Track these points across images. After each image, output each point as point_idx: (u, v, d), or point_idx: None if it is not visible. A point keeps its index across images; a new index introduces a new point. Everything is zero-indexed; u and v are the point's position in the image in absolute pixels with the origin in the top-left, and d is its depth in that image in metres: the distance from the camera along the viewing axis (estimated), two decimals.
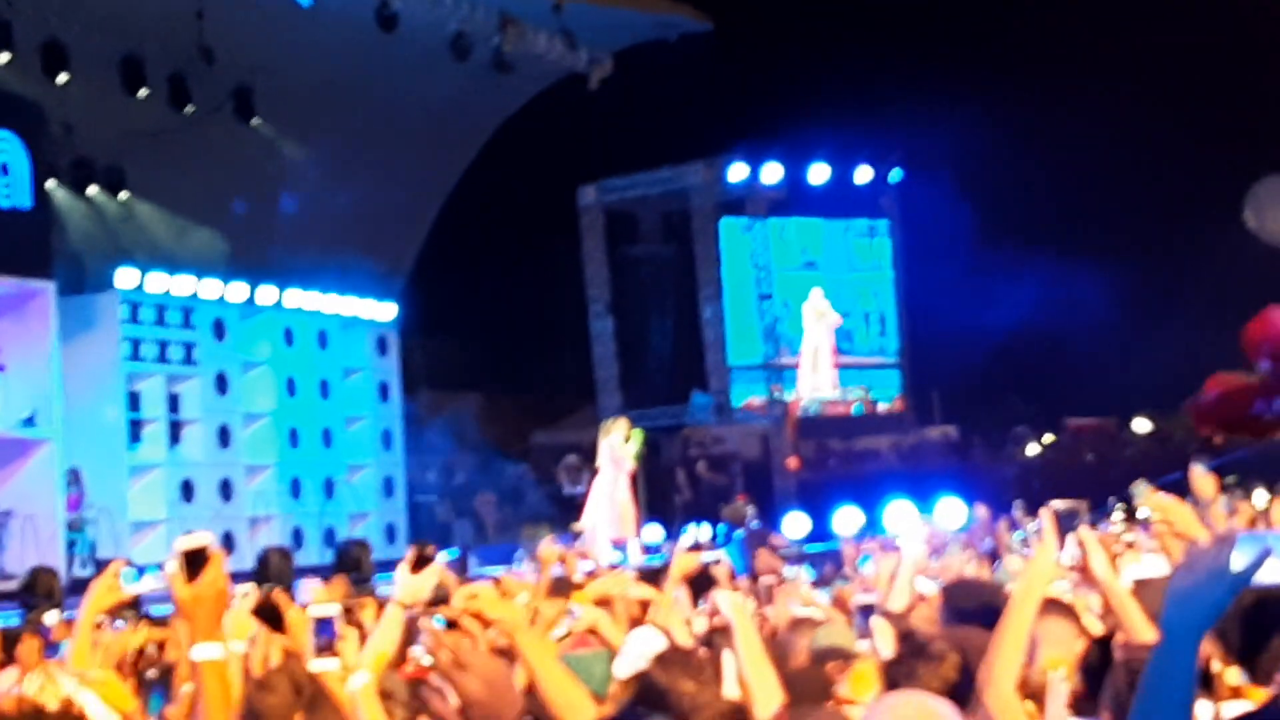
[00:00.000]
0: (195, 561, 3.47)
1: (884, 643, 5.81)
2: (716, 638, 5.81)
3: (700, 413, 29.36)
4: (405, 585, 4.86)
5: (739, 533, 20.65)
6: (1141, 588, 4.74)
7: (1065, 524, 4.39)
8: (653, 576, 8.70)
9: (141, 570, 5.42)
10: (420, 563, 4.91)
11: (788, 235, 31.73)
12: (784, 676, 4.83)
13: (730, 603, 5.08)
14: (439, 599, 4.87)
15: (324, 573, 12.97)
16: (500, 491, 27.37)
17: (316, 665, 4.70)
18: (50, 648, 8.73)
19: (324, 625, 4.68)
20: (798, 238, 32.08)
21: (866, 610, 6.59)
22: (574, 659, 5.48)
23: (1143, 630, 4.37)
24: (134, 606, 8.19)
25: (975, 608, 5.30)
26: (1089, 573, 4.56)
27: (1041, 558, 4.20)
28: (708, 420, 29.38)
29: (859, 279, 32.86)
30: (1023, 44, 31.16)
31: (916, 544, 7.08)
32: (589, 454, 20.16)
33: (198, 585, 3.42)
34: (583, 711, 4.12)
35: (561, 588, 8.92)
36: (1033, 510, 18.86)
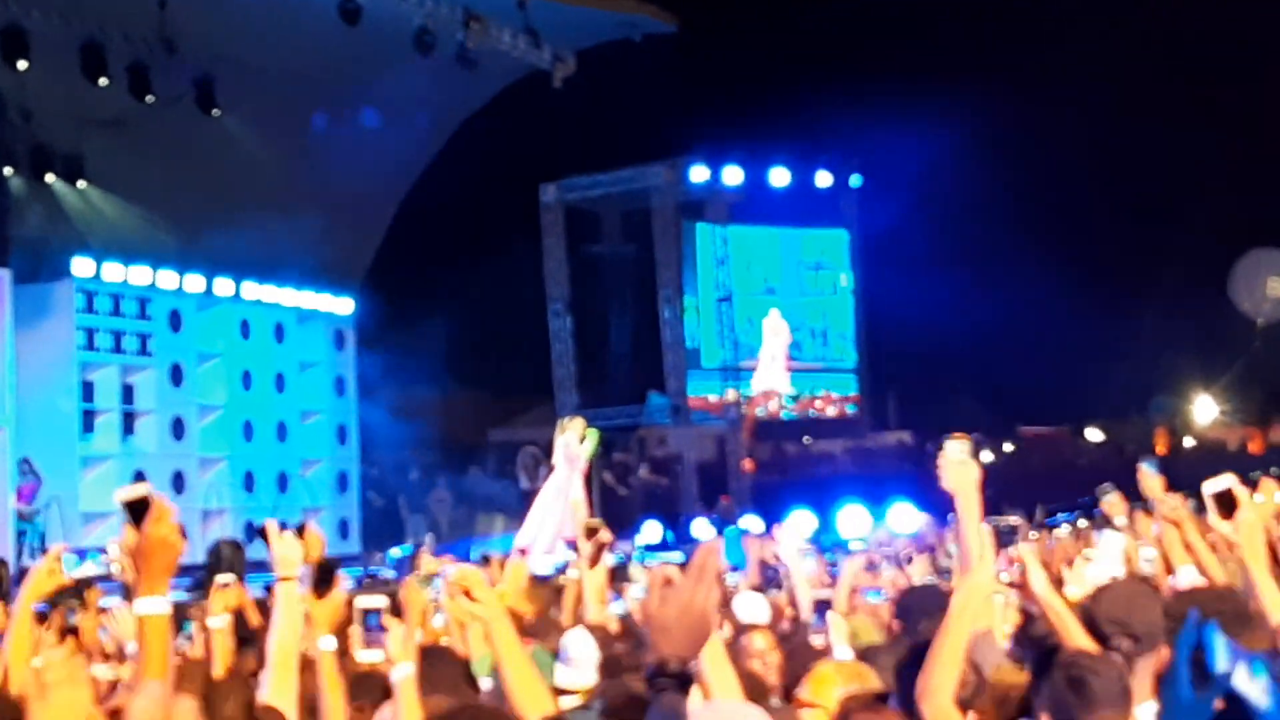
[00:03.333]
0: (137, 512, 3.39)
1: (839, 640, 5.87)
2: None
3: (656, 414, 29.39)
4: (279, 558, 4.83)
5: (731, 529, 20.76)
6: (1099, 595, 4.79)
7: (1005, 539, 4.48)
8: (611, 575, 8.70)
9: (83, 555, 5.37)
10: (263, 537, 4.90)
11: (749, 256, 31.86)
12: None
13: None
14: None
15: (194, 573, 12.58)
16: (456, 488, 27.34)
17: (364, 656, 4.70)
18: None
19: (371, 616, 4.67)
20: (759, 265, 32.20)
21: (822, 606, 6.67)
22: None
23: (1080, 639, 4.48)
24: (76, 592, 8.12)
25: (930, 614, 5.32)
26: (1028, 589, 4.65)
27: (978, 572, 4.24)
28: (664, 421, 29.41)
29: (811, 303, 32.93)
30: (984, 54, 31.33)
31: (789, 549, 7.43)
32: (546, 450, 20.13)
33: (141, 536, 3.35)
34: (543, 705, 4.14)
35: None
36: (988, 516, 18.99)
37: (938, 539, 15.46)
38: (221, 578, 6.62)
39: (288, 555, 4.81)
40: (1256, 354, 30.87)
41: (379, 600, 4.72)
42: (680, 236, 29.93)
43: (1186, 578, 5.84)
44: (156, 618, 3.36)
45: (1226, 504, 4.75)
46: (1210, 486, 4.78)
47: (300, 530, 4.93)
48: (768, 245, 32.33)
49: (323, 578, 3.41)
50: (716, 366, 30.22)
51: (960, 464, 4.54)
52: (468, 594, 4.27)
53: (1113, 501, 8.77)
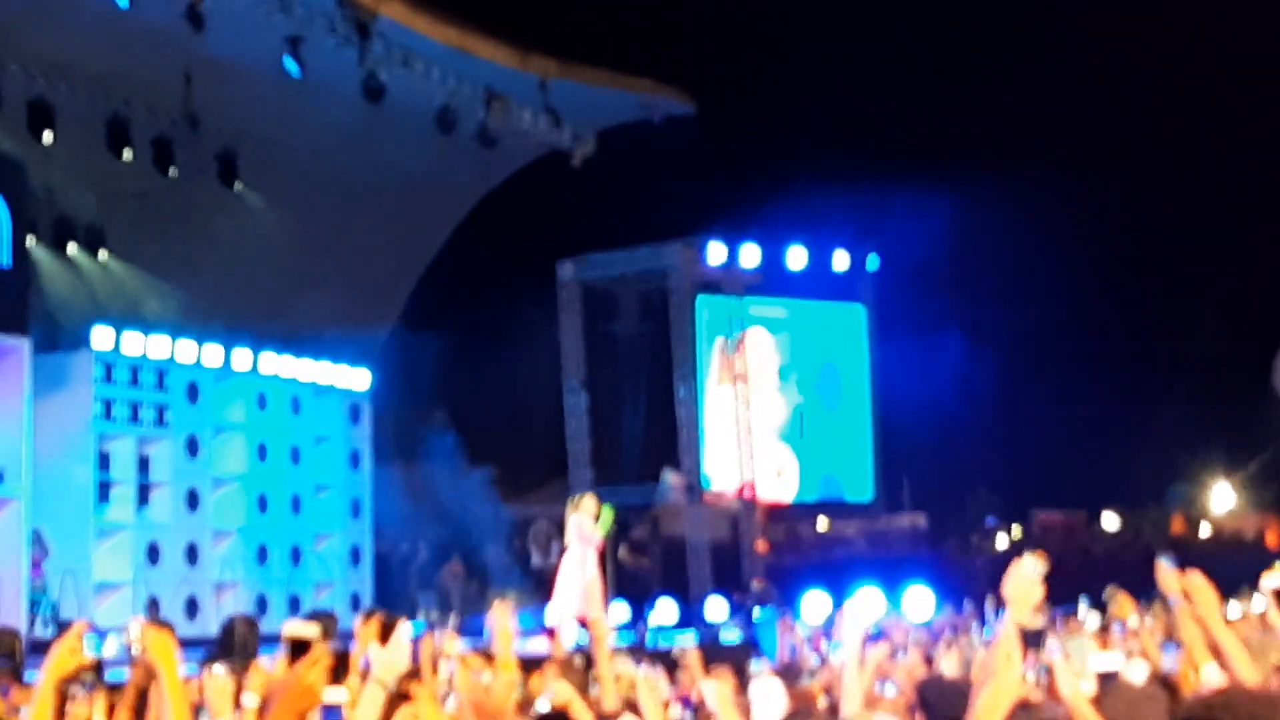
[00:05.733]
0: (298, 650, 3.39)
1: None
2: None
3: (669, 492, 29.31)
4: (381, 661, 4.61)
5: (766, 610, 20.43)
6: (1104, 698, 4.77)
7: (1032, 641, 4.44)
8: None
9: (104, 634, 5.34)
10: (386, 633, 4.72)
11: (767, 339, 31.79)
12: None
13: (715, 692, 5.10)
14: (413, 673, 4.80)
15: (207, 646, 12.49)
16: (468, 563, 27.26)
17: None
18: (11, 711, 8.63)
19: (332, 713, 4.58)
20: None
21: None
22: None
23: None
24: (96, 671, 8.08)
25: (952, 710, 5.29)
26: (1056, 692, 4.62)
27: (1006, 674, 4.22)
28: (677, 500, 29.33)
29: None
30: (1003, 138, 31.49)
31: (854, 638, 6.90)
32: (559, 526, 20.10)
33: (290, 673, 3.35)
34: None
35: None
36: (1003, 605, 18.86)
37: (963, 625, 15.36)
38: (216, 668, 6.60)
39: (395, 662, 4.42)
40: None
41: (340, 694, 4.60)
42: (694, 315, 29.92)
43: (1210, 677, 5.77)
44: None
45: None
46: (1271, 581, 4.74)
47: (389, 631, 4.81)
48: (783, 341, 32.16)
49: (295, 653, 3.37)
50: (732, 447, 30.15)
51: (1030, 582, 4.55)
52: None
53: (1121, 603, 8.70)
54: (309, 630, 3.41)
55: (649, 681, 6.89)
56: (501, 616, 6.26)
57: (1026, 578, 4.56)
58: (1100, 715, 4.53)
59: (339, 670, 4.90)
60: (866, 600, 20.80)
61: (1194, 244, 31.90)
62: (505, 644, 7.07)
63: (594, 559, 19.17)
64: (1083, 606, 16.81)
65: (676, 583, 27.00)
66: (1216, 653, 5.74)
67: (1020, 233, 31.44)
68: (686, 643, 11.94)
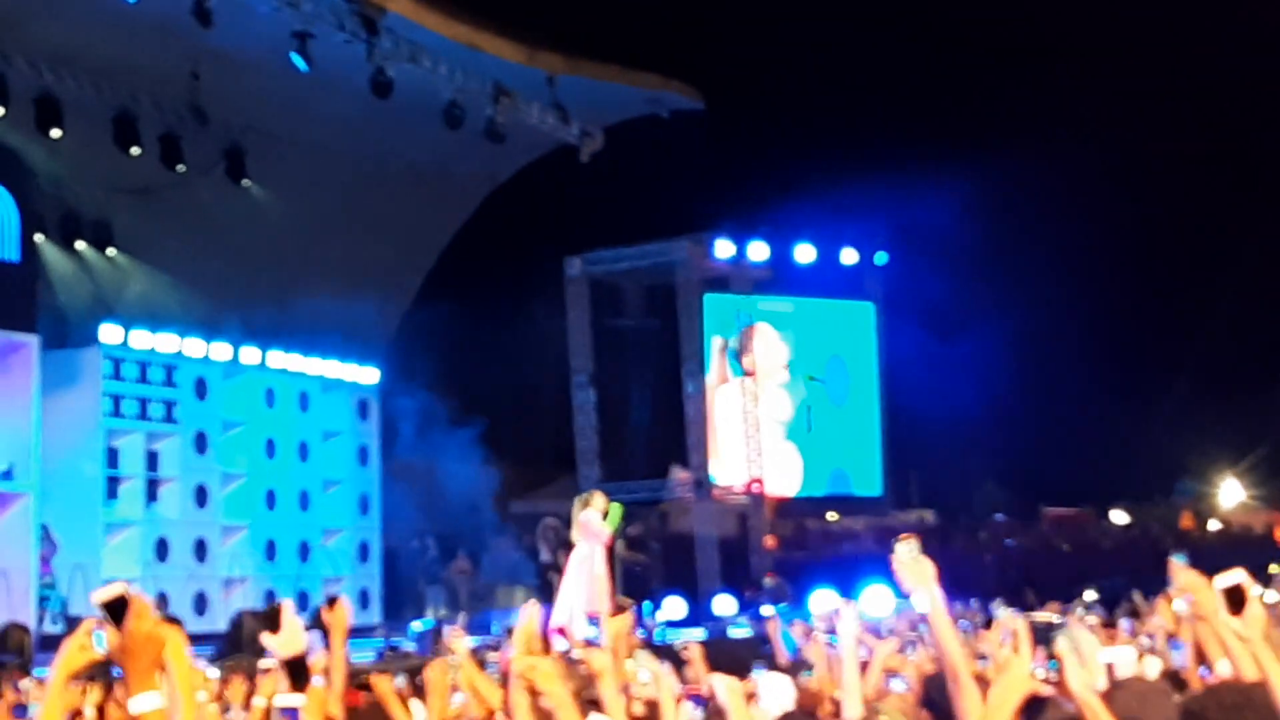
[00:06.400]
0: (117, 611, 3.40)
1: None
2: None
3: (678, 488, 29.30)
4: (279, 644, 4.60)
5: (782, 608, 20.46)
6: (1113, 692, 4.74)
7: (1041, 635, 4.43)
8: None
9: None
10: (272, 620, 4.73)
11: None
12: None
13: (725, 687, 5.09)
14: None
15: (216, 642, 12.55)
16: (476, 560, 27.27)
17: None
18: (19, 709, 8.65)
19: (289, 714, 4.58)
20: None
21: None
22: None
23: None
24: (105, 667, 8.09)
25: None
26: (1065, 687, 4.59)
27: (1015, 670, 4.21)
28: (685, 496, 29.31)
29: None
30: (1012, 133, 31.42)
31: (850, 634, 6.86)
32: (567, 523, 20.09)
33: (124, 634, 3.36)
34: None
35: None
36: (1012, 601, 18.84)
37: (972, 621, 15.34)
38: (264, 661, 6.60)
39: (294, 638, 4.62)
40: None
41: (296, 699, 4.62)
42: (701, 310, 29.88)
43: (1224, 672, 5.74)
44: (153, 713, 3.35)
45: (1236, 599, 4.69)
46: (1221, 581, 4.73)
47: (331, 603, 4.84)
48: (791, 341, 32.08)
49: (116, 617, 3.36)
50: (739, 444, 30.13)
51: (914, 562, 4.60)
52: (532, 686, 4.26)
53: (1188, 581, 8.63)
54: (115, 589, 3.42)
55: (661, 677, 6.89)
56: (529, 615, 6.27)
57: (909, 562, 4.59)
58: (1110, 710, 4.50)
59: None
60: (870, 600, 20.82)
61: (1201, 239, 31.84)
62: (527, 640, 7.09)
63: (602, 556, 19.18)
64: (1089, 599, 16.81)
65: (684, 579, 26.98)
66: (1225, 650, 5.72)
67: (1029, 229, 31.42)
68: (692, 638, 11.97)
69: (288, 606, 4.72)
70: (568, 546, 20.99)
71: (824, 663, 8.25)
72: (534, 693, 4.40)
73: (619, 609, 7.19)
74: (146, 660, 3.34)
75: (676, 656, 10.08)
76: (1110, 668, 5.21)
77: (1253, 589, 4.71)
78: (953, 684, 4.49)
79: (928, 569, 4.62)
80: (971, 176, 29.25)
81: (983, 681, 4.63)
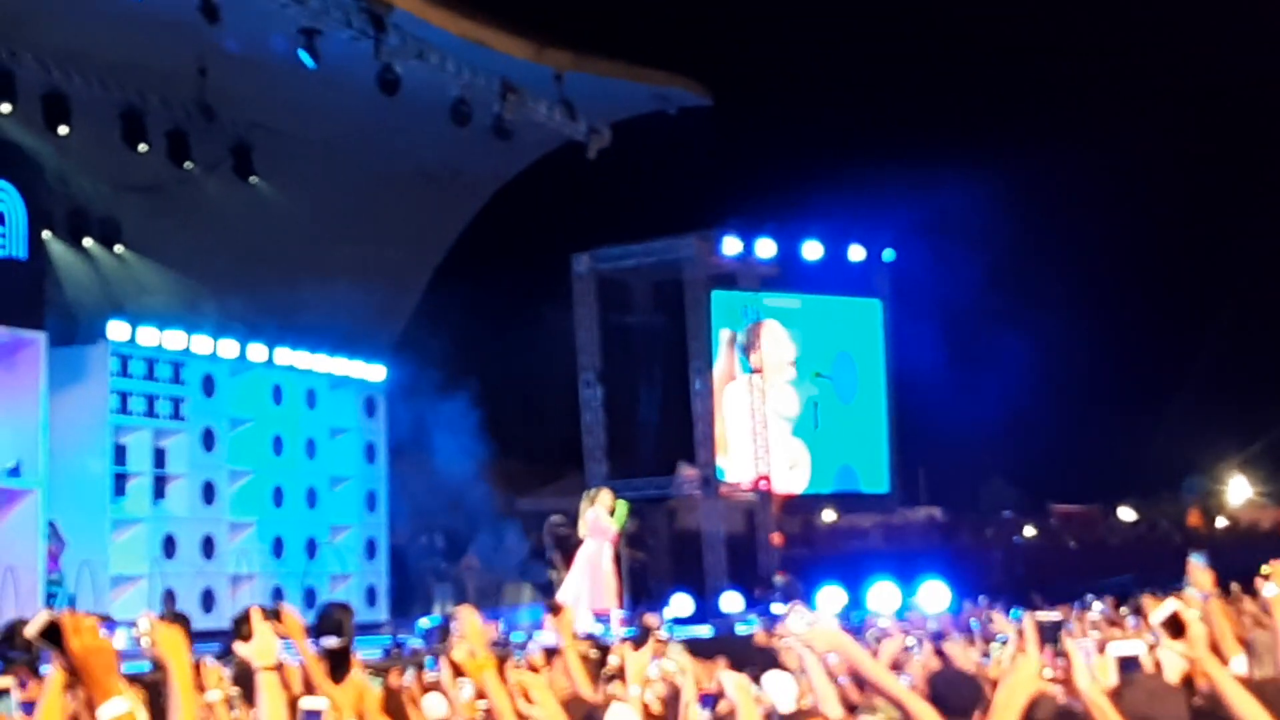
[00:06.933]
0: (54, 637, 3.43)
1: None
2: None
3: (686, 485, 29.29)
4: (256, 650, 4.63)
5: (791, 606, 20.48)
6: (1123, 690, 4.73)
7: (1048, 633, 4.42)
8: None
9: (112, 627, 5.32)
10: (242, 629, 4.73)
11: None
12: None
13: (734, 684, 5.08)
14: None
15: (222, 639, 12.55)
16: (484, 557, 27.26)
17: None
18: (25, 706, 8.62)
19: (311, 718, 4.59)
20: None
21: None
22: None
23: None
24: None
25: (963, 702, 5.26)
26: (1072, 685, 4.58)
27: (1024, 668, 4.20)
28: (692, 493, 29.31)
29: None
30: (1019, 129, 31.39)
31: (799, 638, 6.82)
32: (573, 520, 20.12)
33: (70, 655, 3.39)
34: None
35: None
36: (1019, 598, 18.84)
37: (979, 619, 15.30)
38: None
39: (267, 645, 4.66)
40: None
41: (321, 702, 4.63)
42: (709, 307, 29.87)
43: (1239, 669, 5.74)
44: (124, 716, 3.39)
45: (1175, 627, 4.78)
46: (1158, 615, 4.81)
47: (276, 614, 4.84)
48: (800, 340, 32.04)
49: (55, 642, 3.38)
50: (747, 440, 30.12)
51: (817, 631, 4.56)
52: (526, 696, 4.26)
53: (1199, 577, 8.62)
54: (41, 618, 3.46)
55: (688, 671, 6.90)
56: (567, 623, 6.29)
57: (811, 634, 4.53)
58: (1119, 709, 4.50)
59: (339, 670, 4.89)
60: (876, 597, 20.76)
61: (1211, 236, 31.79)
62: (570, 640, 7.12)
63: (609, 552, 19.21)
64: (1094, 598, 16.77)
65: (691, 576, 26.99)
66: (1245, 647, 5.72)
67: (1037, 226, 31.39)
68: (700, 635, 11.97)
69: (256, 614, 4.71)
70: (560, 543, 21.07)
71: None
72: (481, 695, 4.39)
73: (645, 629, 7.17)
74: (101, 670, 3.38)
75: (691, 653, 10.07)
76: (1120, 663, 5.20)
77: (1190, 615, 4.79)
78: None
79: (833, 628, 4.58)
80: (979, 173, 29.22)
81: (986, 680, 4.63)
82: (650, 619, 7.20)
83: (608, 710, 6.10)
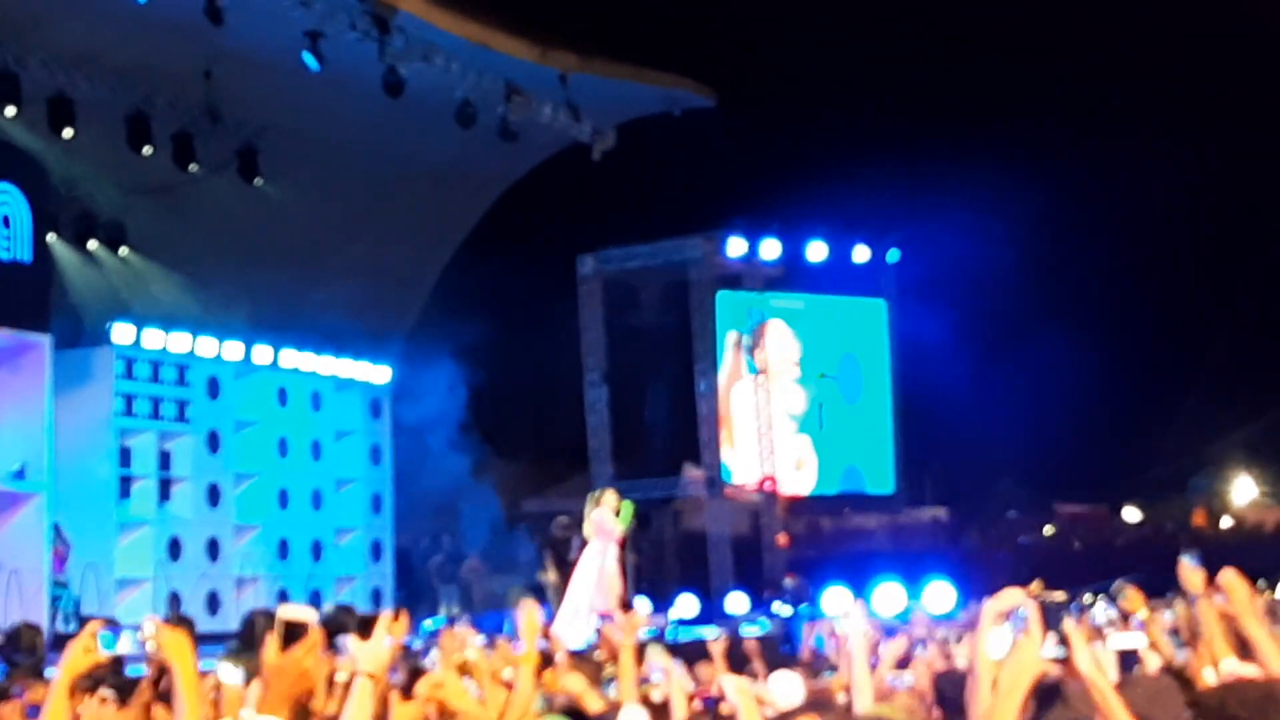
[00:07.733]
0: (292, 634, 3.46)
1: None
2: None
3: (691, 486, 29.30)
4: (366, 654, 4.35)
5: (804, 608, 20.46)
6: (1121, 689, 4.72)
7: (1051, 617, 4.39)
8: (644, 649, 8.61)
9: (118, 630, 5.31)
10: (367, 627, 4.72)
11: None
12: None
13: (735, 687, 5.08)
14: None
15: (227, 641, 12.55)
16: (489, 558, 27.27)
17: None
18: (31, 709, 8.63)
19: None
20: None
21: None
22: None
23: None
24: (115, 668, 8.01)
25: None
26: (1074, 667, 4.56)
27: (1026, 650, 4.18)
28: (697, 494, 29.32)
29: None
30: (1025, 131, 31.37)
31: (859, 632, 6.89)
32: (580, 520, 20.13)
33: (285, 657, 3.41)
34: None
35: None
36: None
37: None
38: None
39: (379, 653, 4.38)
40: None
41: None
42: (714, 308, 29.86)
43: (1230, 670, 5.72)
44: None
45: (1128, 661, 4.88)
46: (1115, 643, 4.85)
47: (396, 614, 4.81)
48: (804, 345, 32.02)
49: (288, 639, 3.35)
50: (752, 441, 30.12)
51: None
52: (441, 706, 4.22)
53: (1130, 596, 8.60)
54: (305, 614, 3.44)
55: (673, 673, 6.89)
56: (530, 613, 6.26)
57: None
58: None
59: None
60: (882, 598, 20.75)
61: (1217, 236, 31.76)
62: (531, 639, 7.08)
63: (614, 553, 19.20)
64: (1098, 598, 16.71)
65: (697, 577, 26.98)
66: (1248, 647, 5.69)
67: (1042, 226, 31.35)
68: (712, 635, 11.95)
69: (385, 619, 4.63)
70: (554, 545, 21.08)
71: (848, 663, 8.22)
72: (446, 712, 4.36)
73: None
74: (289, 689, 3.46)
75: (696, 654, 10.07)
76: (1120, 656, 5.19)
77: (1149, 654, 4.83)
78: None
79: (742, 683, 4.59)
80: (983, 174, 29.21)
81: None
82: (612, 629, 7.24)
83: (619, 713, 6.09)
